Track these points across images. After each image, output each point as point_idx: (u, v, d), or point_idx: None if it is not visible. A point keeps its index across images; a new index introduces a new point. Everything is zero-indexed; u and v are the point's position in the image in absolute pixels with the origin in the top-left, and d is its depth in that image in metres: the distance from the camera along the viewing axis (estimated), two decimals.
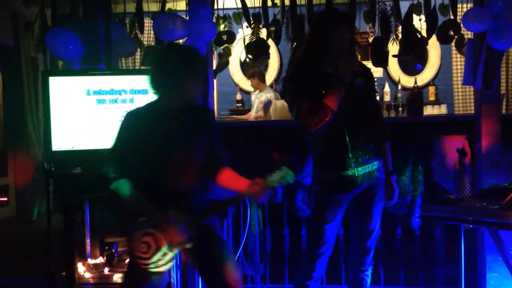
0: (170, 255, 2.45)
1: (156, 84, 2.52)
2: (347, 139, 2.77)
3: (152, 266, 2.43)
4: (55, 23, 4.17)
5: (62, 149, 3.40)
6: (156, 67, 2.55)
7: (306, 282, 2.91)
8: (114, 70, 4.04)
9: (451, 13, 4.17)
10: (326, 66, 2.77)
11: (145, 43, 5.38)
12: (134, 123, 2.54)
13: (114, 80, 3.50)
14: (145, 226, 2.44)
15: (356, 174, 2.78)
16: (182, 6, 4.71)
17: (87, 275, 3.46)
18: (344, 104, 2.74)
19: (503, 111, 5.58)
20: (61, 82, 3.44)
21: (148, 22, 5.19)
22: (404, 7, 4.25)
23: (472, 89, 5.69)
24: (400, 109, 5.05)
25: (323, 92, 2.71)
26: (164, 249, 2.43)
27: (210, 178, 2.65)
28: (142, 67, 4.76)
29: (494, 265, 3.54)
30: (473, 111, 4.06)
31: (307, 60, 2.83)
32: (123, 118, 2.57)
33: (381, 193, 2.88)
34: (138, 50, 4.58)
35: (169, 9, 4.68)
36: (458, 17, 4.07)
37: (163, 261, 2.44)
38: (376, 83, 3.44)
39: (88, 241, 3.66)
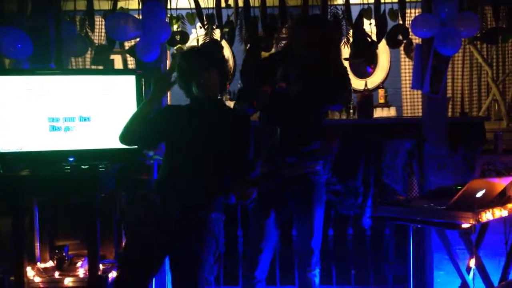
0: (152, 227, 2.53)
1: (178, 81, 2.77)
2: (280, 138, 2.85)
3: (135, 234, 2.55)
4: (2, 21, 4.04)
5: (10, 150, 3.31)
6: (180, 60, 2.78)
7: (251, 282, 2.95)
8: (64, 69, 3.96)
9: (400, 18, 4.28)
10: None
11: (96, 42, 5.28)
12: (165, 111, 2.84)
13: (64, 80, 3.43)
14: (143, 198, 2.60)
15: (287, 173, 2.84)
16: (134, 5, 4.64)
17: (37, 279, 3.37)
18: (281, 104, 2.81)
19: (449, 115, 5.76)
20: (8, 82, 3.34)
21: (99, 21, 5.10)
22: (355, 11, 4.33)
23: (419, 92, 5.86)
24: (351, 111, 5.14)
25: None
26: (150, 221, 2.53)
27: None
28: (92, 67, 4.67)
29: (441, 264, 3.67)
30: (420, 114, 4.18)
31: None
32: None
33: (319, 196, 2.93)
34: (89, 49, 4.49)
35: (121, 8, 4.61)
36: (407, 22, 4.18)
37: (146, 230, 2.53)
38: None
39: (37, 244, 3.57)
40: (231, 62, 6.70)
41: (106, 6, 4.58)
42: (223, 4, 4.32)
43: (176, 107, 2.85)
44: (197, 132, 2.68)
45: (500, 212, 2.85)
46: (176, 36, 4.36)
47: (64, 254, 3.52)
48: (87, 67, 5.87)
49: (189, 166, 2.65)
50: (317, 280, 2.96)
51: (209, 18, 4.38)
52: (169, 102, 4.75)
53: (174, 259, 2.60)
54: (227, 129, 2.71)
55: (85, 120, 3.40)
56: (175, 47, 4.59)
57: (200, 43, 4.40)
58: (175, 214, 2.58)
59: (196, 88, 2.69)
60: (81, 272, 3.43)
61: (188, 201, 2.60)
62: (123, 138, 2.74)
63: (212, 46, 2.83)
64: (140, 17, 3.79)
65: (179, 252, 2.57)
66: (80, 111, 3.40)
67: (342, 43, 4.39)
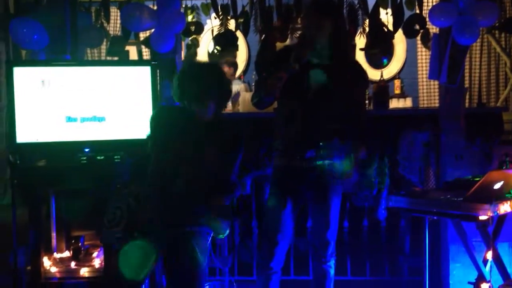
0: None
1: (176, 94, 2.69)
2: (299, 131, 2.82)
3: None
4: (18, 11, 4.06)
5: (27, 141, 3.33)
6: (178, 79, 2.69)
7: (267, 272, 2.94)
8: (80, 61, 3.97)
9: (417, 7, 4.23)
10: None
11: (111, 33, 5.29)
12: (159, 119, 2.73)
13: (79, 71, 3.44)
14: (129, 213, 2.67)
15: (305, 166, 2.83)
16: None
17: (53, 269, 3.40)
18: (301, 96, 2.80)
19: (466, 105, 5.69)
20: (24, 73, 3.36)
21: (114, 12, 5.10)
22: (371, 0, 4.28)
23: (436, 83, 5.78)
24: (367, 102, 5.10)
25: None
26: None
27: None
28: (108, 58, 4.68)
29: (457, 256, 3.63)
30: (437, 105, 4.14)
31: None
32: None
33: (336, 187, 2.90)
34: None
35: None
36: (424, 12, 4.13)
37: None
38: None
39: (54, 234, 3.60)
40: (245, 53, 6.69)
41: None
42: None
43: (171, 114, 2.79)
44: (189, 148, 2.62)
45: None
46: (191, 27, 4.35)
47: (80, 244, 3.55)
48: (102, 58, 5.89)
49: (178, 182, 2.60)
50: (332, 271, 2.95)
51: (224, 9, 4.36)
52: None
53: (166, 275, 2.62)
54: (218, 149, 2.65)
55: (101, 111, 3.41)
56: (189, 38, 4.58)
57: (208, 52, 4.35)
58: (163, 230, 2.57)
59: (188, 105, 2.66)
60: (97, 263, 3.45)
61: (175, 218, 2.58)
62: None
63: (216, 73, 2.74)
64: (155, 7, 3.79)
65: (170, 269, 2.57)
66: (96, 102, 3.41)
67: (358, 33, 4.37)
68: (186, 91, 2.64)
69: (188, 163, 2.59)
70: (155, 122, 2.74)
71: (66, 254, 3.60)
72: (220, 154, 2.64)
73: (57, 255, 3.56)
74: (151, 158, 2.70)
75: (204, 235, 2.67)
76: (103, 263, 3.34)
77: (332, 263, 2.96)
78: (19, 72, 3.34)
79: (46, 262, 3.44)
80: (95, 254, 3.52)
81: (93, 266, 3.43)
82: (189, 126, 2.66)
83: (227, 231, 2.71)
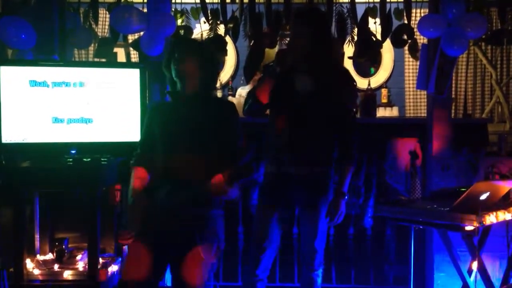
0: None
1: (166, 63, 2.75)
2: (287, 139, 2.82)
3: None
4: (6, 10, 4.02)
5: (13, 141, 3.29)
6: (169, 45, 2.90)
7: (252, 279, 2.93)
8: (68, 61, 3.94)
9: (405, 17, 4.26)
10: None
11: (99, 34, 5.26)
12: (152, 112, 2.80)
13: (67, 71, 3.40)
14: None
15: (294, 173, 2.82)
16: None
17: (36, 271, 3.34)
18: (289, 102, 2.81)
19: (452, 116, 5.73)
20: (11, 72, 3.32)
21: (102, 13, 5.07)
22: (360, 9, 4.31)
23: (423, 92, 5.84)
24: (354, 110, 5.13)
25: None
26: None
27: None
28: (95, 59, 4.65)
29: (441, 265, 3.65)
30: (423, 114, 4.17)
31: None
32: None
33: (326, 196, 2.87)
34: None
35: (125, 0, 4.59)
36: (412, 22, 4.16)
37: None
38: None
39: (37, 236, 3.54)
40: (234, 59, 6.68)
41: None
42: (228, 0, 4.30)
43: (160, 105, 2.87)
44: (182, 126, 2.64)
45: (503, 215, 2.84)
46: (180, 31, 4.33)
47: (64, 246, 3.50)
48: (90, 59, 5.85)
49: (182, 163, 2.60)
50: (319, 280, 2.94)
51: (214, 13, 4.36)
52: None
53: (175, 258, 2.58)
54: (213, 119, 2.67)
55: (88, 113, 3.38)
56: None
57: (203, 38, 4.36)
58: (174, 214, 2.56)
59: (175, 76, 2.66)
60: (81, 265, 3.41)
61: (187, 200, 2.57)
62: None
63: (207, 41, 2.81)
64: (145, 10, 3.77)
65: (181, 251, 2.55)
66: (83, 104, 3.38)
67: (346, 42, 4.39)
68: (175, 51, 2.66)
69: (185, 142, 2.62)
70: (148, 115, 2.79)
71: (50, 256, 3.55)
72: (216, 123, 2.67)
73: (40, 257, 3.51)
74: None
75: (216, 218, 2.69)
76: (87, 266, 3.30)
77: (320, 271, 2.94)
78: (5, 71, 3.31)
79: (29, 264, 3.38)
80: (79, 257, 3.47)
81: (76, 269, 3.38)
82: (179, 103, 2.70)
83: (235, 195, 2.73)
